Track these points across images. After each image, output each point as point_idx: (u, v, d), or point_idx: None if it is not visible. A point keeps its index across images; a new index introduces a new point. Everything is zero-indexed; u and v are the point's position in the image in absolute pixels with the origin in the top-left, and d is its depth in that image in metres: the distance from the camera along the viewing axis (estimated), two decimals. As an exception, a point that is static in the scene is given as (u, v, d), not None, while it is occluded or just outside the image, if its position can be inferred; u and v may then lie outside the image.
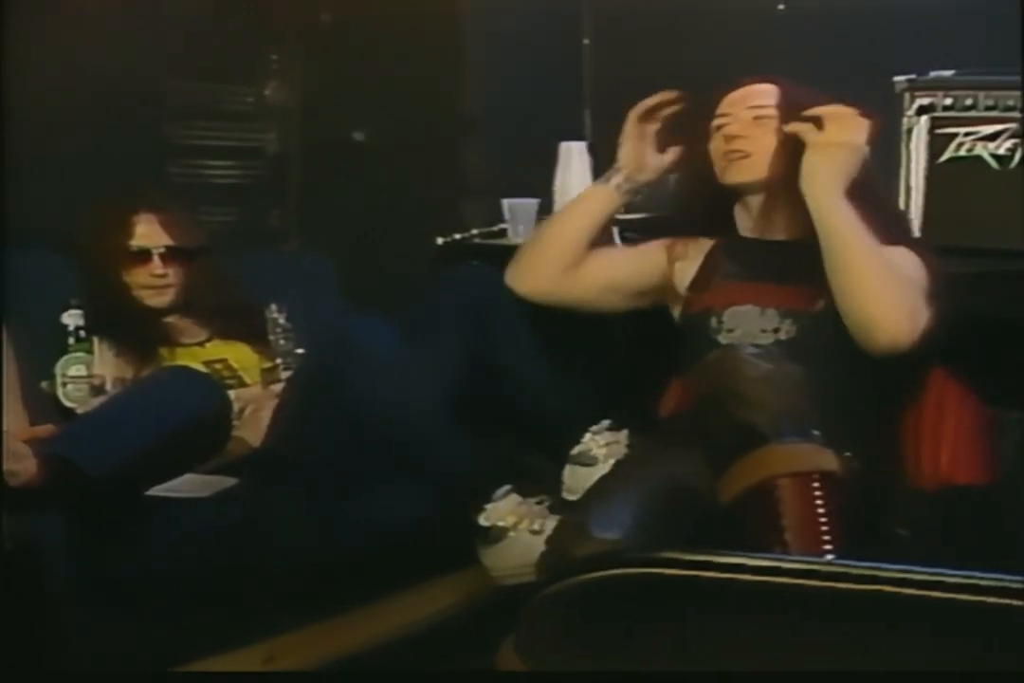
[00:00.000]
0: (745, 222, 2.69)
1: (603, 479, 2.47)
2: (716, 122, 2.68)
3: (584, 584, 1.82)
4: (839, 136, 2.51)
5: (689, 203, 2.80)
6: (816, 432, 2.27)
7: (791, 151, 2.56)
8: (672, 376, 2.68)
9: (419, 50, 3.74)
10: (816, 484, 2.22)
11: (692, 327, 2.65)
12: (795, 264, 2.57)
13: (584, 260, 2.73)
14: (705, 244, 2.74)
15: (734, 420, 2.25)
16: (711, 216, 2.73)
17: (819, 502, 2.21)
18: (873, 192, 2.60)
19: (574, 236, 2.74)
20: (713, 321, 2.60)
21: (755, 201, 2.66)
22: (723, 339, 2.57)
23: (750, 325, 2.57)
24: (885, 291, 2.44)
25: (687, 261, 2.73)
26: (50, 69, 3.24)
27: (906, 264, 2.54)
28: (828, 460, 2.26)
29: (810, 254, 2.51)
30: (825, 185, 2.49)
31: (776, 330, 2.54)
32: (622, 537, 2.19)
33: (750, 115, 2.65)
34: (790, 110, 2.61)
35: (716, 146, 2.67)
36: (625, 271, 2.77)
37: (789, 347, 2.51)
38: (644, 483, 2.35)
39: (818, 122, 2.53)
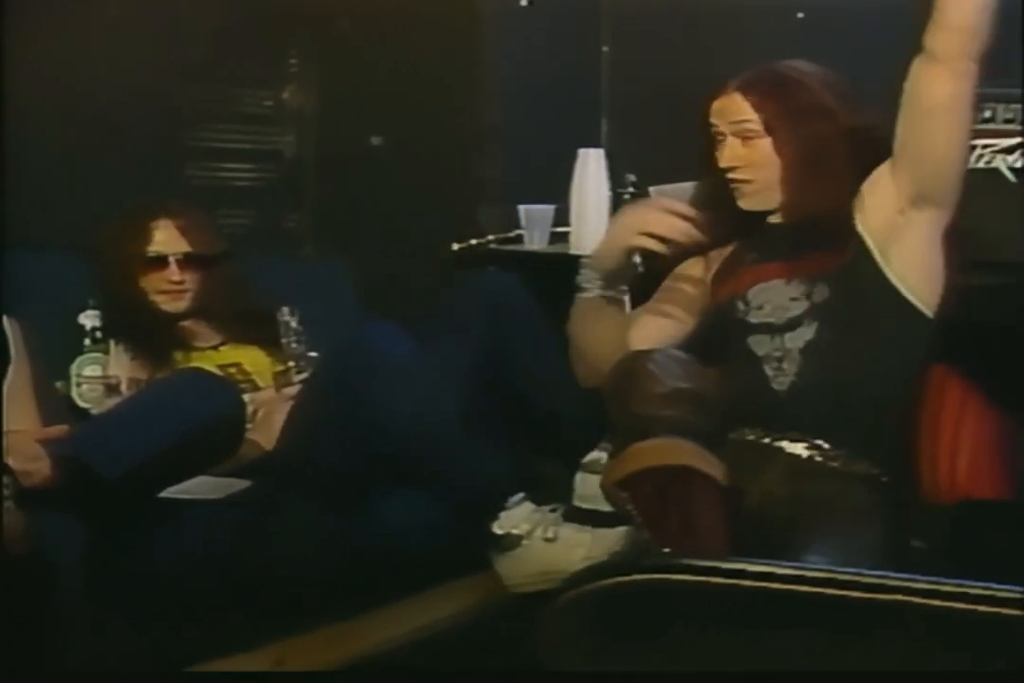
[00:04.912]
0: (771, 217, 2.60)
1: None
2: (713, 130, 2.58)
3: (600, 590, 1.82)
4: None
5: (715, 217, 2.63)
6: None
7: (796, 164, 2.50)
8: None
9: (437, 55, 3.74)
10: (681, 480, 2.20)
11: (719, 316, 2.59)
12: (821, 236, 2.51)
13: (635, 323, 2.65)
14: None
15: (627, 414, 2.27)
16: (740, 224, 2.62)
17: (680, 498, 2.18)
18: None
19: (605, 338, 2.63)
20: (740, 304, 2.55)
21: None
22: (753, 318, 2.52)
23: (778, 298, 2.52)
24: None
25: (716, 256, 2.66)
26: (69, 73, 3.24)
27: None
28: (702, 461, 2.23)
29: (838, 225, 2.48)
30: None
31: (808, 294, 2.49)
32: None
33: (735, 131, 2.54)
34: (775, 119, 2.52)
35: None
36: (686, 322, 2.66)
37: (823, 312, 2.47)
38: None
39: None
